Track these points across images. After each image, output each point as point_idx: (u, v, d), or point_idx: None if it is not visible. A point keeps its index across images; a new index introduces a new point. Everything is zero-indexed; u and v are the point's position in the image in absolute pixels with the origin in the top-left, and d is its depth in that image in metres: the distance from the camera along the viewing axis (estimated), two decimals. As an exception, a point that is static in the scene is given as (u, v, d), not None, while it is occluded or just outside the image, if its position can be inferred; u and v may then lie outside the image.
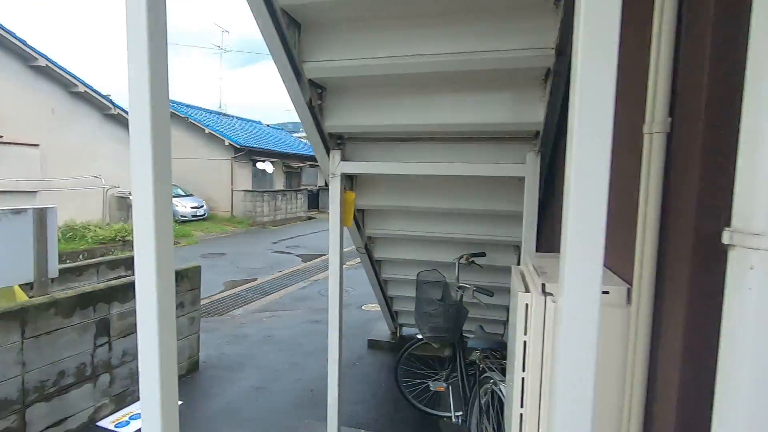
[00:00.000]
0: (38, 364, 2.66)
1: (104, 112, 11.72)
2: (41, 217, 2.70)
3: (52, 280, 3.00)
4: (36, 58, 9.87)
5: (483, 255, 2.94)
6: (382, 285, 3.74)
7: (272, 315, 6.07)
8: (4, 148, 9.44)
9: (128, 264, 4.68)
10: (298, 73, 1.93)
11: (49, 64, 10.08)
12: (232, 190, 17.00)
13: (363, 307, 6.41)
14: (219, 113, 20.50)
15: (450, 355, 2.94)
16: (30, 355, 2.61)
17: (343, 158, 2.33)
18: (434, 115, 2.12)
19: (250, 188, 17.62)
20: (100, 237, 10.77)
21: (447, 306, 2.65)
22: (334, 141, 2.37)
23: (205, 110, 19.46)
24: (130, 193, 12.51)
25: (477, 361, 2.40)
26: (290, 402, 3.46)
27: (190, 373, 3.89)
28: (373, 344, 4.47)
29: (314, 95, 2.05)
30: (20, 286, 2.99)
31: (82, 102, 11.22)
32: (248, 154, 17.53)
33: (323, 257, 10.77)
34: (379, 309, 6.15)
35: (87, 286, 4.19)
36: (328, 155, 2.33)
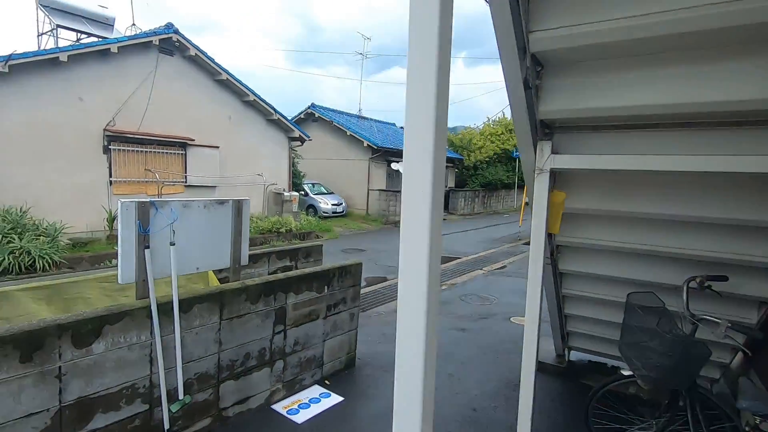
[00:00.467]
0: (231, 344, 2.85)
1: (267, 118, 13.22)
2: (239, 207, 2.89)
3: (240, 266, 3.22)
4: (220, 73, 11.57)
5: (724, 279, 2.23)
6: (560, 301, 3.21)
7: (416, 317, 5.94)
8: (196, 149, 11.27)
9: (293, 255, 4.98)
10: (521, 46, 1.61)
11: (229, 78, 11.74)
12: (368, 189, 17.76)
13: (512, 320, 5.87)
14: (358, 116, 21.69)
15: (669, 401, 2.31)
16: (225, 336, 2.81)
17: (554, 150, 1.93)
18: (698, 92, 1.59)
19: (384, 188, 18.20)
20: (260, 228, 12.15)
21: (677, 341, 2.05)
22: (542, 130, 1.99)
23: (347, 114, 20.76)
24: (284, 190, 13.95)
25: (748, 428, 1.77)
26: (453, 420, 3.19)
27: (347, 369, 3.92)
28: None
29: (531, 74, 1.70)
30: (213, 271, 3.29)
31: (251, 109, 12.82)
32: (384, 154, 18.12)
33: (459, 260, 10.41)
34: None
35: (265, 274, 4.56)
36: (534, 148, 1.97)
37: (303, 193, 17.05)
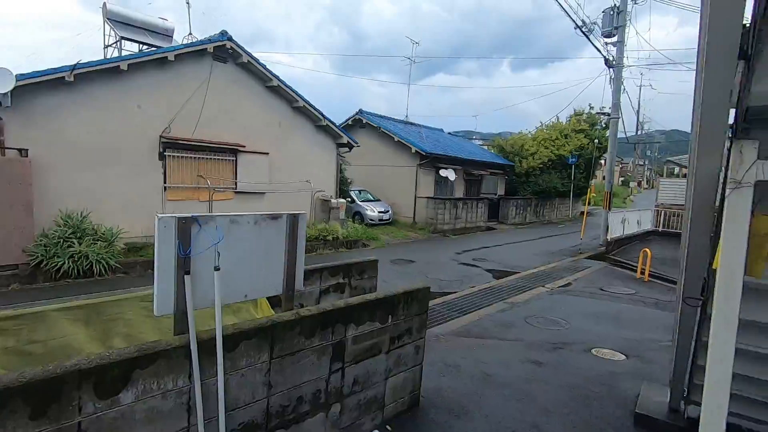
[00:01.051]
0: (282, 387, 2.40)
1: (316, 124, 13.06)
2: (294, 223, 2.44)
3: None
4: (270, 79, 11.52)
5: None
6: (692, 346, 2.50)
7: (480, 343, 5.29)
8: (246, 155, 11.25)
9: (346, 271, 4.51)
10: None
11: (280, 84, 11.66)
12: (416, 197, 17.21)
13: (593, 352, 5.07)
14: (405, 122, 21.25)
15: None
16: (275, 377, 2.36)
17: (762, 155, 1.31)
18: None
19: (432, 195, 17.58)
20: (308, 236, 11.93)
21: None
22: (743, 126, 1.36)
23: (394, 120, 20.38)
24: (331, 197, 13.72)
25: None
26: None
27: (410, 410, 3.37)
28: (644, 422, 3.20)
29: (753, 37, 1.10)
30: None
31: (300, 115, 12.70)
32: (432, 161, 17.52)
33: (517, 275, 9.59)
34: (623, 359, 4.75)
35: (316, 293, 4.12)
36: (725, 151, 1.35)
37: (350, 200, 16.79)
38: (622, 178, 71.91)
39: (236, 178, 11.12)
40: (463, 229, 17.62)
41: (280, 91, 11.90)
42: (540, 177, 23.09)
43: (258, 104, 11.62)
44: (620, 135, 29.22)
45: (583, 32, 13.12)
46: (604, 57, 13.98)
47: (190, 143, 9.99)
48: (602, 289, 8.41)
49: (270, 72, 11.43)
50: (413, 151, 17.01)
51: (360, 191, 17.53)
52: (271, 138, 11.97)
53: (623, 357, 4.93)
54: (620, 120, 14.30)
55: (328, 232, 12.35)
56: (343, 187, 15.05)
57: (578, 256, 12.51)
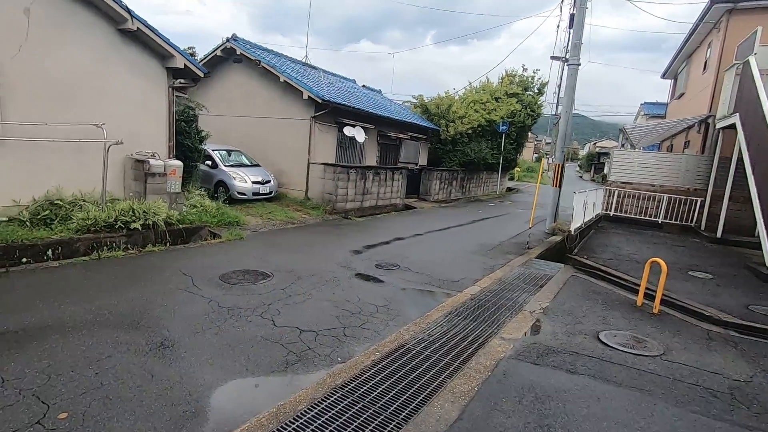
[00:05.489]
0: None
1: (118, 26, 7.49)
2: None
3: None
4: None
5: None
6: None
7: None
8: None
9: None
10: None
11: None
12: (309, 163, 12.39)
13: None
14: (303, 63, 16.02)
15: None
16: None
17: None
18: None
19: (333, 161, 12.91)
20: (92, 221, 6.64)
21: None
22: None
23: (285, 57, 15.05)
24: (154, 155, 8.26)
25: None
26: None
27: None
28: None
29: None
30: None
31: (81, 3, 7.05)
32: (333, 114, 12.74)
33: (450, 299, 5.43)
34: None
35: None
36: None
37: (209, 163, 11.47)
38: (536, 155, 73.59)
39: None
40: (374, 209, 13.30)
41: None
42: (468, 145, 19.50)
43: None
44: (546, 112, 26.88)
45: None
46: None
47: None
48: (603, 343, 4.55)
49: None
50: (306, 96, 12.03)
51: (229, 152, 12.23)
52: (5, 37, 6.26)
53: None
54: (577, 69, 10.71)
55: (139, 214, 7.16)
56: (189, 143, 9.71)
57: (527, 254, 8.81)
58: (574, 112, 11.37)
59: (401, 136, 16.69)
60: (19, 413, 2.66)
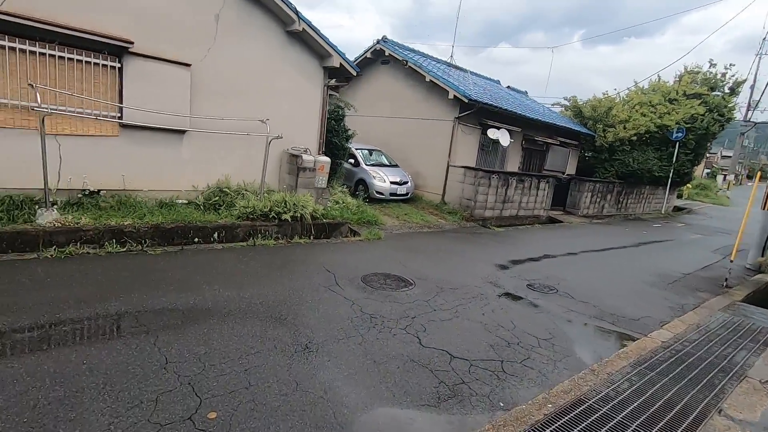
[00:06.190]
0: None
1: (287, 27, 7.94)
2: None
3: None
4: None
5: None
6: None
7: None
8: (143, 63, 6.34)
9: None
10: None
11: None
12: (449, 165, 11.83)
13: None
14: (447, 63, 15.55)
15: None
16: None
17: None
18: None
19: (474, 165, 12.12)
20: (250, 211, 7.11)
21: None
22: None
23: (432, 58, 14.76)
24: (306, 151, 8.64)
25: None
26: None
27: None
28: None
29: None
30: None
31: (258, 7, 7.62)
32: (477, 115, 11.95)
33: (631, 350, 4.24)
34: None
35: None
36: None
37: (352, 161, 11.74)
38: (707, 170, 61.26)
39: (121, 101, 6.37)
40: (514, 218, 12.12)
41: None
42: (629, 154, 16.73)
43: None
44: (738, 116, 21.57)
45: None
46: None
47: (14, 20, 5.27)
48: None
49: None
50: (451, 96, 11.50)
51: (371, 151, 12.39)
52: (199, 39, 7.04)
53: None
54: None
55: (289, 206, 7.46)
56: (337, 141, 10.00)
57: (728, 295, 6.81)
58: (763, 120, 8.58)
59: (549, 140, 15.04)
60: (175, 403, 2.58)
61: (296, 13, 7.74)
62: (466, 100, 11.20)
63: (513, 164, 14.14)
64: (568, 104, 18.49)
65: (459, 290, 5.35)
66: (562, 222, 13.26)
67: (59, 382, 2.63)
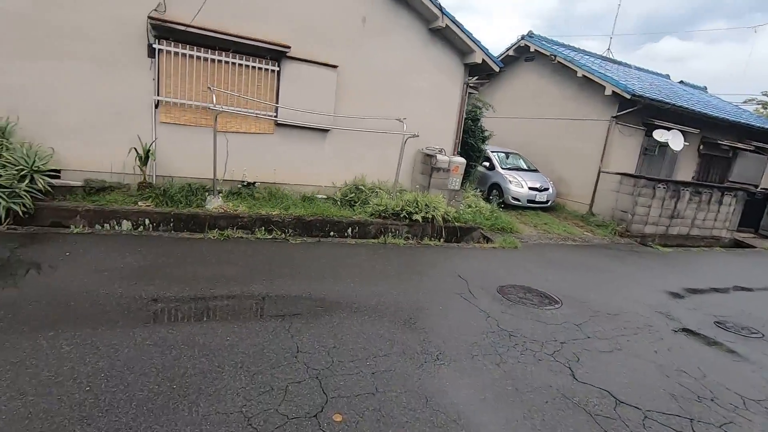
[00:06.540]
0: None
1: (430, 25, 7.78)
2: None
3: None
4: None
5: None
6: None
7: None
8: (296, 65, 6.81)
9: None
10: None
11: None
12: (600, 171, 10.33)
13: None
14: (603, 57, 13.72)
15: None
16: None
17: None
18: None
19: (634, 171, 10.36)
20: (382, 209, 7.13)
21: None
22: None
23: (584, 51, 13.19)
24: (440, 151, 8.31)
25: None
26: None
27: None
28: None
29: None
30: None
31: (403, 6, 7.62)
32: (641, 113, 10.18)
33: None
34: None
35: None
36: None
37: (487, 165, 11.09)
38: None
39: (277, 101, 6.96)
40: (684, 238, 9.98)
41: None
42: None
43: (325, -20, 7.05)
44: None
45: None
46: None
47: (199, 32, 6.14)
48: None
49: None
50: (608, 92, 10.01)
51: (507, 154, 11.56)
52: (345, 42, 7.32)
53: None
54: None
55: (420, 207, 7.26)
56: (473, 142, 9.52)
57: None
58: None
59: (738, 145, 12.10)
60: (302, 396, 2.47)
61: (440, 8, 7.52)
62: (628, 96, 9.60)
63: (685, 173, 11.73)
64: (767, 100, 14.72)
65: (619, 317, 4.41)
66: (754, 247, 10.47)
67: (205, 355, 2.76)
